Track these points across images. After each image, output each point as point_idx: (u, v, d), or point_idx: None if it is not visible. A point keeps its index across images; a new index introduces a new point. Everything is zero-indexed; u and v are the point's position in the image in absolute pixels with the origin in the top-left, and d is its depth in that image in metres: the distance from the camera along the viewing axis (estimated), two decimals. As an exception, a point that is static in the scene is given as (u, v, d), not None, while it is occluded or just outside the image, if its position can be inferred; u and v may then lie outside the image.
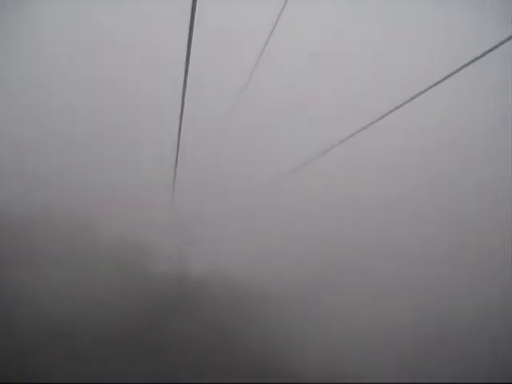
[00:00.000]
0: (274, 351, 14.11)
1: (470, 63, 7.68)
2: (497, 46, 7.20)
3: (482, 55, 7.33)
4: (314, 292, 17.08)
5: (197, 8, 6.05)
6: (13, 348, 11.97)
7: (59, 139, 20.16)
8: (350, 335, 15.02)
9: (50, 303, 13.59)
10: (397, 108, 9.73)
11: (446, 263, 17.34)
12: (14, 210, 17.58)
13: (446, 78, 8.17)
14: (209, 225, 20.70)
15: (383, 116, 10.34)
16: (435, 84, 8.47)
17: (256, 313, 15.87)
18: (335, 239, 18.69)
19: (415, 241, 18.22)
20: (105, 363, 12.15)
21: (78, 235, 17.82)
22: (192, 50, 7.42)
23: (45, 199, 18.28)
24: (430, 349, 14.84)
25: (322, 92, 21.27)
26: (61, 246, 16.47)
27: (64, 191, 18.83)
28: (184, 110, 9.78)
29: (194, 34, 6.86)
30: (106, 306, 13.98)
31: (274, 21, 11.42)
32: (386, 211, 19.50)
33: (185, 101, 9.41)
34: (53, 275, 14.72)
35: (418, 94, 8.87)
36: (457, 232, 18.03)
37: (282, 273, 17.87)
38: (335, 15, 19.66)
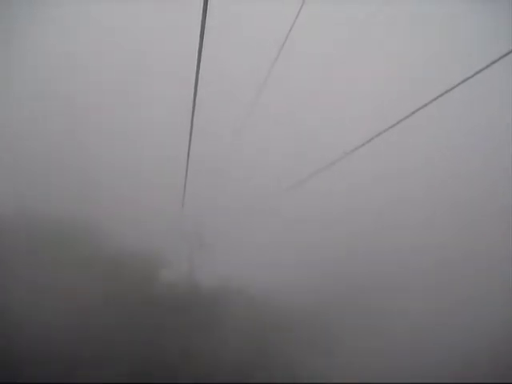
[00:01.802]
0: (291, 369, 13.49)
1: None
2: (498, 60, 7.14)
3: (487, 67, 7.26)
4: (330, 300, 16.70)
5: (208, 8, 5.70)
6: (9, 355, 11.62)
7: (62, 141, 19.90)
8: (369, 343, 14.52)
9: (46, 311, 12.84)
10: (413, 113, 9.31)
11: (461, 266, 16.91)
12: (13, 214, 16.95)
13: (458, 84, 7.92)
14: (220, 233, 19.85)
15: (396, 123, 9.94)
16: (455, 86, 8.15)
17: (274, 328, 14.95)
18: (349, 245, 18.33)
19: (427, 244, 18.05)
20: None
21: (80, 240, 17.10)
22: (203, 52, 7.07)
23: (46, 203, 17.64)
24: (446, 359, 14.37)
25: (338, 95, 20.92)
26: (60, 251, 15.69)
27: (67, 195, 18.30)
28: (195, 113, 9.42)
29: (205, 35, 6.50)
30: (107, 318, 13.11)
31: (290, 23, 11.00)
32: (399, 215, 19.39)
33: (196, 104, 9.05)
34: (51, 281, 13.89)
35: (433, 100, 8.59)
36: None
37: (297, 283, 17.19)
38: (352, 17, 19.31)
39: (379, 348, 14.35)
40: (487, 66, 7.48)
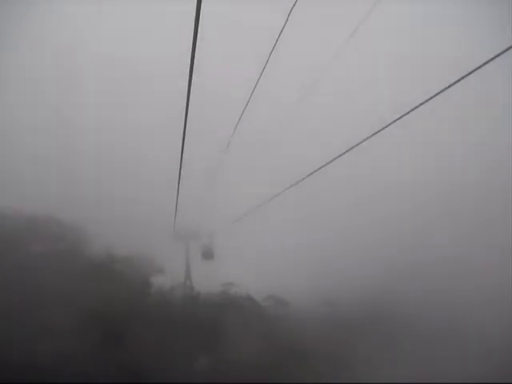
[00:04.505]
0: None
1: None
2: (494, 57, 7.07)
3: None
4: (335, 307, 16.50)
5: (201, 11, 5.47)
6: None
7: (61, 145, 19.67)
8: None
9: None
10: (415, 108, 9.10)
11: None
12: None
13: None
14: (219, 235, 18.69)
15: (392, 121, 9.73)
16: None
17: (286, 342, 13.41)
18: (348, 243, 18.27)
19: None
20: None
21: (68, 242, 15.58)
22: (197, 54, 6.87)
23: (35, 202, 15.92)
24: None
25: (336, 96, 20.85)
26: (49, 253, 14.31)
27: (65, 198, 17.08)
28: (188, 115, 9.11)
29: (197, 42, 6.25)
30: (91, 333, 11.27)
31: (282, 22, 10.67)
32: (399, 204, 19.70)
33: (188, 107, 8.76)
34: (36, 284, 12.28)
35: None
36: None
37: (302, 286, 16.37)
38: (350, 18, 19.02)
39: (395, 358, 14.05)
40: (484, 64, 7.31)
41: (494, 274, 16.13)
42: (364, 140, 9.93)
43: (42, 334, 11.01)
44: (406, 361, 13.71)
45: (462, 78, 7.73)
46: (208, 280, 16.65)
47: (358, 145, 10.36)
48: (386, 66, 21.47)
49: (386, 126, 9.67)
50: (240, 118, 11.38)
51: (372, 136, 9.84)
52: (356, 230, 19.40)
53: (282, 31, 8.86)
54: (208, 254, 18.18)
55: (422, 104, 8.71)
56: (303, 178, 13.19)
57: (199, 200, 17.79)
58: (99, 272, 13.99)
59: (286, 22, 8.68)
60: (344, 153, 11.12)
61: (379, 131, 9.78)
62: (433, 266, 17.30)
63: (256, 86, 10.89)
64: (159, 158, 19.85)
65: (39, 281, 12.47)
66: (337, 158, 11.76)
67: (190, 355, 12.10)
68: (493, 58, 7.16)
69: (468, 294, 15.77)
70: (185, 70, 7.58)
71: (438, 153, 21.34)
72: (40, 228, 15.81)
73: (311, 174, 13.00)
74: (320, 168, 13.58)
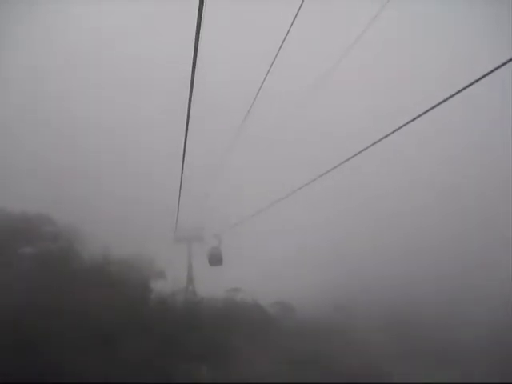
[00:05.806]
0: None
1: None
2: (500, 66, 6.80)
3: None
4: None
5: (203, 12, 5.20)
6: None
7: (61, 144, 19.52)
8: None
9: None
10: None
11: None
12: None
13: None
14: (224, 239, 17.09)
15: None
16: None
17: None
18: (349, 252, 18.10)
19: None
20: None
21: (64, 243, 14.62)
22: (198, 56, 6.57)
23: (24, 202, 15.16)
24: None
25: (337, 96, 20.76)
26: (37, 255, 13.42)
27: (63, 198, 16.72)
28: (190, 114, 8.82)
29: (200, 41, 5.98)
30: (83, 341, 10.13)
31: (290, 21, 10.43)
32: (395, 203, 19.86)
33: (190, 106, 8.47)
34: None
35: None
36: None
37: (306, 293, 15.92)
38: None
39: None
40: (491, 72, 6.98)
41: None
42: (371, 145, 9.67)
43: (34, 339, 10.29)
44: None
45: (464, 88, 7.48)
46: (212, 285, 15.74)
47: (364, 150, 10.09)
48: (393, 67, 21.52)
49: (393, 132, 9.46)
50: (245, 118, 11.06)
51: (378, 142, 9.60)
52: (364, 233, 19.53)
53: (289, 30, 8.61)
54: (216, 260, 16.62)
55: (427, 111, 8.50)
56: (312, 181, 12.81)
57: (202, 200, 17.18)
58: (95, 275, 13.16)
59: (293, 21, 8.41)
60: (351, 157, 10.81)
61: (385, 137, 9.55)
62: (445, 267, 17.14)
63: (261, 86, 10.59)
64: (159, 157, 19.71)
65: (31, 282, 11.80)
66: (345, 161, 11.42)
67: (192, 366, 11.24)
68: (496, 68, 6.89)
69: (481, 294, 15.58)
70: (187, 70, 7.34)
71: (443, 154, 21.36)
72: (35, 228, 15.17)
73: (320, 176, 12.62)
74: (329, 171, 13.23)
